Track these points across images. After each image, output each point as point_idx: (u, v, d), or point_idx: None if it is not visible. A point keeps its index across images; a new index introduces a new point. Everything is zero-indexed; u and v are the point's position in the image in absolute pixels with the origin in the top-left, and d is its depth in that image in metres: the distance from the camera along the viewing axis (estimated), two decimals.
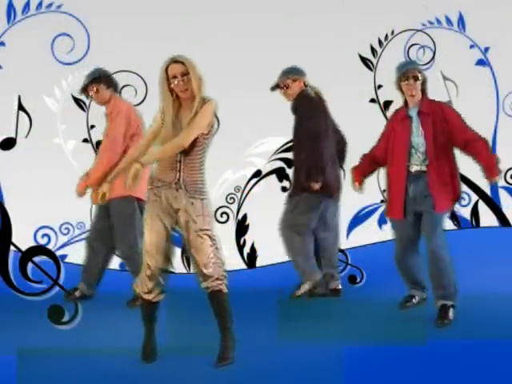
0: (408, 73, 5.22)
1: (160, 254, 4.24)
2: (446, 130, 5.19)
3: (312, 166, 5.71)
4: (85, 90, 5.79)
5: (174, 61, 4.22)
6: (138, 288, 4.34)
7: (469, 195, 6.82)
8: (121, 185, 5.43)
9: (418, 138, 5.25)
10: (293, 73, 5.87)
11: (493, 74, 6.76)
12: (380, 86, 6.71)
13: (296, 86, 5.87)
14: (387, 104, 6.70)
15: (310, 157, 5.72)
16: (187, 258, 5.93)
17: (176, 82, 4.18)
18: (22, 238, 6.37)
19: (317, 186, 5.71)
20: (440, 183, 5.19)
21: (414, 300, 5.50)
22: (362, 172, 5.53)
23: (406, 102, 5.32)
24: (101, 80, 5.74)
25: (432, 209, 5.16)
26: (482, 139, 5.21)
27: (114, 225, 5.76)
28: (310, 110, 5.78)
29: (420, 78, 5.24)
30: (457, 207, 6.47)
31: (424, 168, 5.23)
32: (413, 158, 5.26)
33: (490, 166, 5.12)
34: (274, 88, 5.92)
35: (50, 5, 6.56)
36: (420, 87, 5.25)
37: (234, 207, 6.70)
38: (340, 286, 5.99)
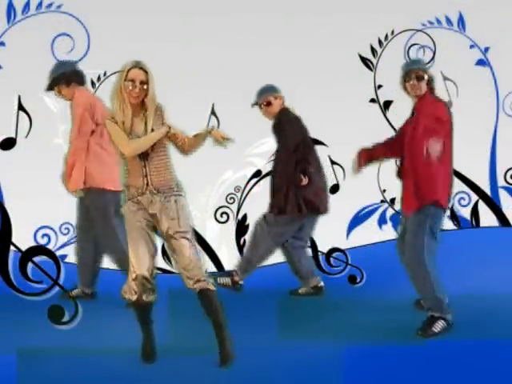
0: (411, 72, 5.07)
1: (147, 259, 4.25)
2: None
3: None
4: (51, 89, 5.81)
5: (139, 66, 4.21)
6: (127, 294, 4.33)
7: (469, 195, 6.82)
8: (96, 176, 5.50)
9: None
10: (273, 90, 5.88)
11: (493, 74, 6.76)
12: (380, 86, 6.70)
13: (277, 103, 5.88)
14: (387, 104, 6.70)
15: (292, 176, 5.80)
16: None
17: (131, 87, 4.16)
18: (22, 237, 6.34)
19: (304, 181, 5.75)
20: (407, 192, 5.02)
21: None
22: (371, 155, 5.36)
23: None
24: (59, 81, 5.75)
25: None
26: None
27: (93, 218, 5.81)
28: (296, 129, 5.81)
29: (425, 77, 5.06)
30: (457, 207, 6.47)
31: None
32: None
33: None
34: (254, 105, 5.92)
35: (50, 5, 6.55)
36: (425, 87, 5.06)
37: (234, 207, 6.70)
38: (322, 283, 6.03)
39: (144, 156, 4.21)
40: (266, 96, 5.87)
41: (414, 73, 5.05)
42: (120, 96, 4.20)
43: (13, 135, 6.54)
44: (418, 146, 4.85)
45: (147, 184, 4.23)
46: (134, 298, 4.29)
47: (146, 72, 4.20)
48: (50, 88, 5.79)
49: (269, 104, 5.86)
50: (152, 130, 4.21)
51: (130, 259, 4.29)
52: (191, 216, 4.39)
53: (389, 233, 6.75)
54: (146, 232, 4.26)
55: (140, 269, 4.23)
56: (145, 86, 4.17)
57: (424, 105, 4.99)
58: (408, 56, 6.71)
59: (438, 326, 4.83)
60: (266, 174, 6.67)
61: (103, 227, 5.77)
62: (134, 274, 4.26)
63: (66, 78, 5.76)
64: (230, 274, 5.94)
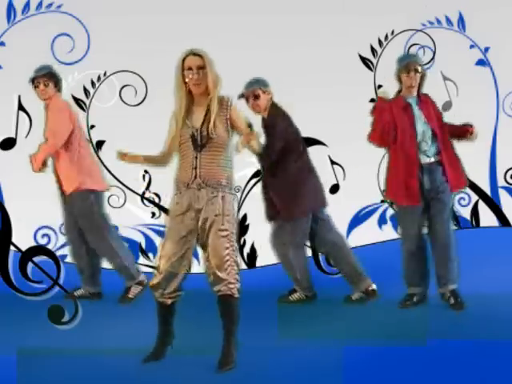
0: (410, 65, 5.40)
1: (176, 259, 4.17)
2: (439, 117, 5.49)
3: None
4: (34, 80, 5.84)
5: (193, 53, 4.18)
6: (151, 282, 4.27)
7: (469, 195, 6.82)
8: (77, 178, 5.68)
9: (422, 125, 5.41)
10: (262, 84, 5.72)
11: (493, 74, 6.76)
12: (380, 86, 6.69)
13: (265, 97, 5.71)
14: None
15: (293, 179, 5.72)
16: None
17: (190, 75, 4.11)
18: (21, 237, 6.37)
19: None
20: (452, 170, 5.42)
21: (414, 299, 5.51)
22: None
23: (399, 92, 5.49)
24: (53, 78, 5.84)
25: (448, 196, 5.44)
26: None
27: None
28: (288, 125, 5.73)
29: (420, 70, 5.43)
30: (457, 207, 6.47)
31: (434, 159, 5.41)
32: (422, 146, 5.40)
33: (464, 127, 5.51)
34: (240, 97, 5.72)
35: (50, 5, 6.55)
36: (419, 80, 5.43)
37: None
38: (315, 291, 5.92)
39: (198, 147, 4.12)
40: (254, 88, 5.71)
41: (412, 65, 5.42)
42: (181, 89, 4.15)
43: (13, 135, 6.54)
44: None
45: (195, 176, 4.12)
46: (151, 284, 4.26)
47: (201, 57, 4.15)
48: (43, 76, 5.80)
49: (257, 97, 5.70)
50: (208, 112, 4.13)
51: (160, 252, 4.22)
52: (237, 217, 4.31)
53: (389, 233, 6.75)
54: (181, 232, 4.16)
55: (166, 265, 4.18)
56: (204, 71, 4.12)
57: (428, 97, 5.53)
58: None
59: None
60: None
61: (89, 229, 5.82)
62: (162, 274, 4.19)
63: (58, 79, 5.88)
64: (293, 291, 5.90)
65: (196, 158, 4.13)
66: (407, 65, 5.40)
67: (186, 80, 4.13)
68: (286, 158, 5.67)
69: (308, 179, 5.76)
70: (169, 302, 4.28)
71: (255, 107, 5.73)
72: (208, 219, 4.14)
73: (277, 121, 5.68)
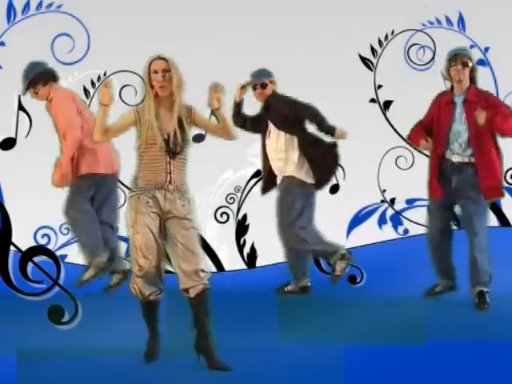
0: (457, 57, 5.28)
1: (151, 253, 4.24)
2: (489, 117, 5.19)
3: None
4: (26, 90, 5.87)
5: (158, 57, 4.31)
6: (135, 290, 4.33)
7: None
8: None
9: (460, 126, 5.32)
10: (269, 74, 5.94)
11: (493, 74, 6.75)
12: (380, 86, 6.70)
13: (271, 87, 5.94)
14: (387, 104, 6.70)
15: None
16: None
17: (156, 78, 4.25)
18: (22, 237, 6.36)
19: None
20: (485, 174, 5.28)
21: (436, 289, 5.58)
22: (422, 132, 5.51)
23: (452, 88, 5.37)
24: (36, 80, 5.81)
25: (479, 198, 5.33)
26: None
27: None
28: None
29: (469, 64, 5.28)
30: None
31: (466, 159, 5.33)
32: (452, 146, 5.33)
33: None
34: (246, 85, 5.92)
35: (50, 5, 6.55)
36: (468, 74, 5.28)
37: (234, 207, 6.70)
38: (309, 284, 6.02)
39: (172, 153, 4.25)
40: (263, 78, 5.92)
41: (460, 58, 5.29)
42: (148, 92, 4.28)
43: (13, 135, 6.54)
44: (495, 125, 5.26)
45: (170, 181, 4.26)
46: (136, 292, 4.30)
47: (166, 61, 4.27)
48: (27, 89, 5.84)
49: (264, 87, 5.91)
50: (180, 120, 4.25)
51: (132, 254, 4.28)
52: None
53: (389, 233, 6.75)
54: (153, 229, 4.24)
55: (143, 264, 4.23)
56: (169, 74, 4.24)
57: (484, 94, 5.36)
58: (408, 56, 6.71)
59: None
60: None
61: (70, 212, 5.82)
62: (140, 271, 4.25)
63: (43, 77, 5.83)
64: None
65: (169, 163, 4.27)
66: (454, 57, 5.28)
67: (153, 83, 4.26)
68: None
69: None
70: (158, 297, 4.34)
71: (261, 96, 5.93)
72: (181, 221, 4.25)
73: (279, 100, 5.87)
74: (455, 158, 5.36)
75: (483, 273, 5.40)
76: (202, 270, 4.23)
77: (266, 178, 6.06)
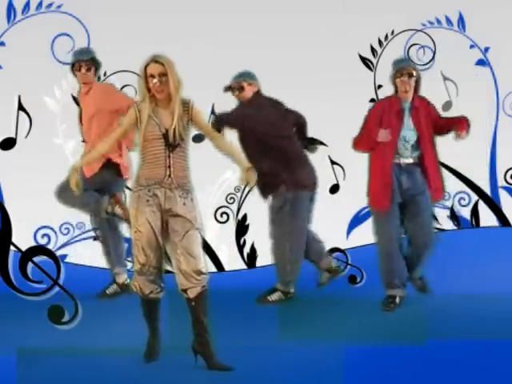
0: (403, 70, 5.44)
1: (152, 251, 4.23)
2: (431, 122, 5.48)
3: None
4: (75, 64, 5.84)
5: (154, 60, 4.24)
6: (136, 287, 4.33)
7: (469, 195, 6.82)
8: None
9: (409, 132, 5.44)
10: (248, 76, 5.83)
11: (493, 74, 6.76)
12: (380, 86, 6.70)
13: (250, 89, 5.81)
14: None
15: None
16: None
17: (153, 82, 4.20)
18: (22, 237, 6.36)
19: None
20: (432, 174, 5.46)
21: (396, 300, 5.51)
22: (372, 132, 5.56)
23: (397, 97, 5.49)
24: (97, 62, 5.89)
25: (426, 198, 5.48)
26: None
27: None
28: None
29: (414, 75, 5.45)
30: (457, 207, 6.48)
31: (412, 160, 5.45)
32: (400, 151, 5.43)
33: (460, 123, 5.44)
34: (226, 89, 5.86)
35: (50, 5, 6.55)
36: (413, 84, 5.44)
37: (234, 207, 6.70)
38: (293, 290, 5.89)
39: (170, 147, 4.21)
40: (239, 81, 5.82)
41: (406, 70, 5.45)
42: (144, 94, 4.24)
43: (13, 135, 6.54)
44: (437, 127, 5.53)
45: (169, 176, 4.22)
46: (137, 289, 4.30)
47: (162, 64, 4.21)
48: (89, 60, 5.83)
49: (241, 89, 5.81)
50: (178, 123, 4.21)
51: (134, 252, 4.27)
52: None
53: None
54: (154, 227, 4.22)
55: (144, 262, 4.23)
56: (166, 77, 4.19)
57: (424, 101, 5.56)
58: (408, 56, 6.71)
59: None
60: None
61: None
62: (140, 268, 4.25)
63: (98, 64, 5.93)
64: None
65: (169, 157, 4.22)
66: (400, 69, 5.43)
67: (149, 86, 4.23)
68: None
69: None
70: (159, 295, 4.33)
71: (240, 98, 5.85)
72: (181, 220, 4.22)
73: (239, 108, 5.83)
74: (402, 161, 5.45)
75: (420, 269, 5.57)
76: (201, 272, 4.20)
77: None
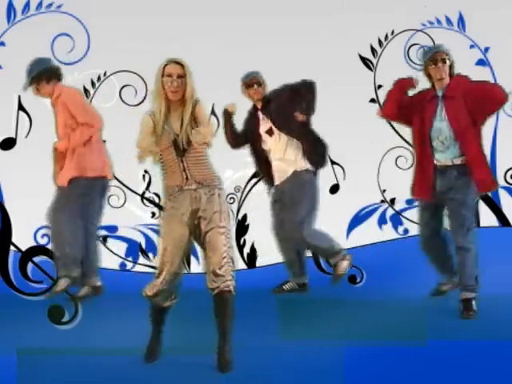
0: (436, 56, 5.24)
1: (178, 258, 4.23)
2: (469, 108, 5.17)
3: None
4: (29, 85, 5.79)
5: (174, 61, 4.25)
6: (150, 292, 4.30)
7: None
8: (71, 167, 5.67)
9: (441, 123, 5.24)
10: (260, 75, 5.95)
11: (493, 74, 6.75)
12: (380, 86, 6.70)
13: (265, 86, 5.95)
14: None
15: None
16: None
17: (170, 82, 4.19)
18: (22, 238, 6.37)
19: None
20: (477, 166, 5.18)
21: (444, 287, 5.55)
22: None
23: (433, 86, 5.30)
24: (40, 77, 5.75)
25: (462, 199, 5.21)
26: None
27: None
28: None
29: (448, 61, 5.25)
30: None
31: (449, 162, 5.23)
32: (434, 143, 5.25)
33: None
34: (248, 86, 5.92)
35: (50, 5, 6.55)
36: (448, 70, 5.25)
37: (234, 207, 6.70)
38: (307, 281, 6.05)
39: (179, 151, 4.21)
40: (258, 76, 5.92)
41: (439, 55, 5.24)
42: (160, 95, 4.22)
43: (13, 135, 6.54)
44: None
45: (187, 178, 4.23)
46: (151, 294, 4.28)
47: (182, 66, 4.22)
48: (30, 85, 5.76)
49: (260, 84, 5.91)
50: (188, 127, 4.20)
51: (158, 258, 4.26)
52: (230, 213, 4.39)
53: (389, 233, 6.75)
54: (180, 234, 4.22)
55: (165, 268, 4.22)
56: (183, 79, 4.19)
57: (462, 84, 5.26)
58: (408, 56, 6.71)
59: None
60: None
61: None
62: (163, 276, 4.23)
63: (47, 74, 5.77)
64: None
65: (182, 161, 4.24)
66: (433, 56, 5.24)
67: (165, 87, 4.21)
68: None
69: None
70: (172, 303, 4.36)
71: (257, 94, 5.91)
72: (207, 218, 4.22)
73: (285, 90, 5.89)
74: (438, 161, 5.28)
75: (470, 277, 5.28)
76: (220, 275, 4.17)
77: (266, 179, 6.06)
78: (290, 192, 5.83)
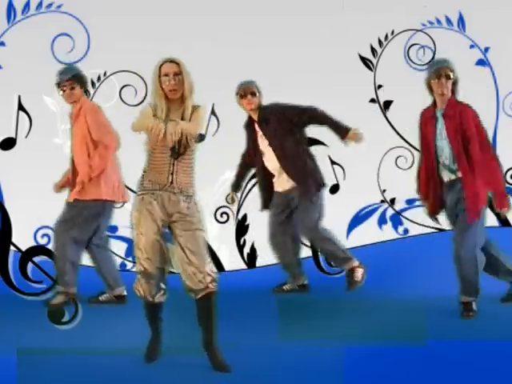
0: (441, 70, 5.14)
1: (156, 255, 4.23)
2: (462, 133, 5.14)
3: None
4: (59, 84, 5.70)
5: (169, 60, 4.24)
6: (139, 292, 4.32)
7: None
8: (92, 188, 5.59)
9: (442, 142, 5.21)
10: (257, 86, 5.84)
11: (493, 74, 6.75)
12: (380, 86, 6.70)
13: (259, 96, 5.84)
14: (387, 104, 6.70)
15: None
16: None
17: (167, 81, 4.19)
18: (22, 237, 6.37)
19: None
20: (469, 191, 5.13)
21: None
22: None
23: (434, 102, 5.25)
24: (80, 79, 5.72)
25: (466, 217, 5.15)
26: (491, 163, 5.19)
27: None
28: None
29: (452, 77, 5.16)
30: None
31: (455, 176, 5.20)
32: (443, 161, 5.22)
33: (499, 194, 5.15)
34: (242, 96, 5.81)
35: (50, 5, 6.55)
36: (450, 86, 5.16)
37: (234, 207, 6.70)
38: (307, 282, 6.04)
39: (175, 154, 4.20)
40: (252, 86, 5.81)
41: (444, 71, 5.13)
42: (159, 95, 4.20)
43: (13, 135, 6.54)
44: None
45: (172, 182, 4.22)
46: (140, 294, 4.29)
47: (178, 64, 4.21)
48: (69, 79, 5.66)
49: (254, 94, 5.80)
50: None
51: (136, 255, 4.26)
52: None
53: (389, 233, 6.75)
54: (157, 231, 4.22)
55: (148, 266, 4.22)
56: (180, 77, 4.18)
57: (460, 108, 5.18)
58: (408, 56, 6.71)
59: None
60: None
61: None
62: (144, 272, 4.24)
63: (84, 79, 5.77)
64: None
65: (173, 164, 4.23)
66: (438, 70, 5.13)
67: (163, 86, 4.20)
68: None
69: None
70: (162, 299, 4.34)
71: (251, 104, 5.80)
72: (187, 220, 4.22)
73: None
74: (445, 177, 5.25)
75: (469, 283, 5.22)
76: (206, 273, 4.20)
77: (264, 194, 6.02)
78: (299, 200, 5.83)
